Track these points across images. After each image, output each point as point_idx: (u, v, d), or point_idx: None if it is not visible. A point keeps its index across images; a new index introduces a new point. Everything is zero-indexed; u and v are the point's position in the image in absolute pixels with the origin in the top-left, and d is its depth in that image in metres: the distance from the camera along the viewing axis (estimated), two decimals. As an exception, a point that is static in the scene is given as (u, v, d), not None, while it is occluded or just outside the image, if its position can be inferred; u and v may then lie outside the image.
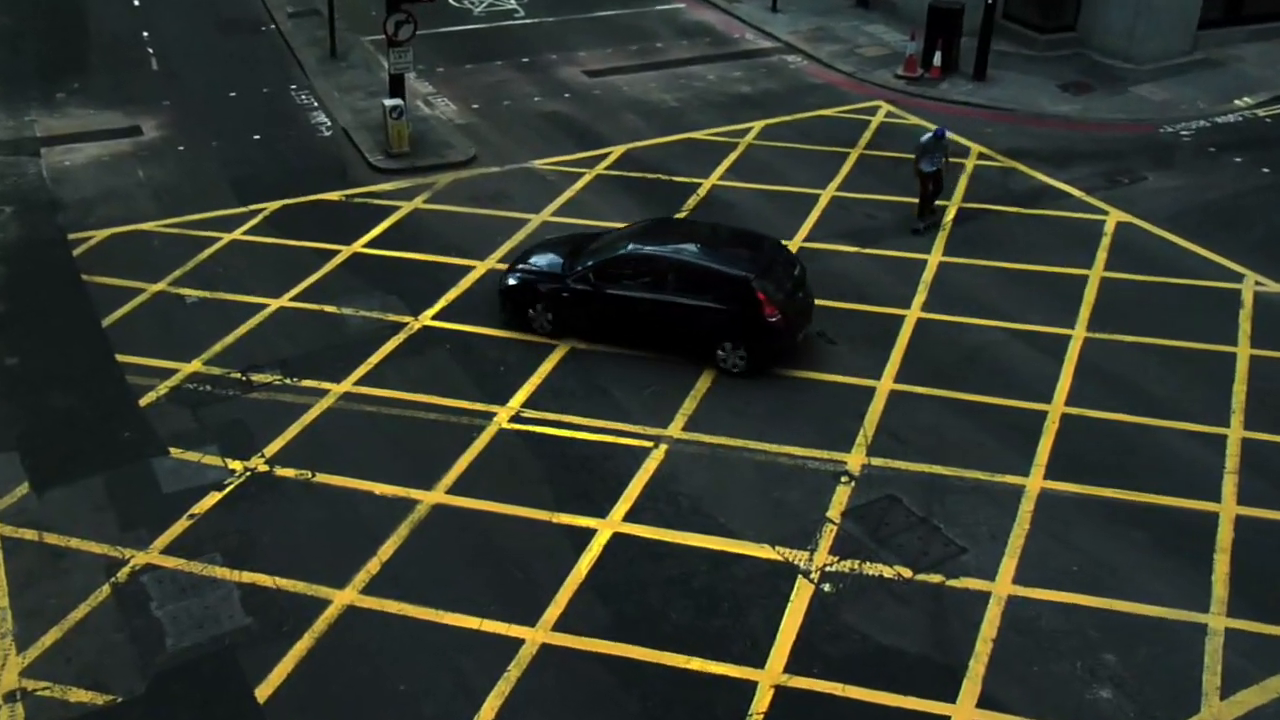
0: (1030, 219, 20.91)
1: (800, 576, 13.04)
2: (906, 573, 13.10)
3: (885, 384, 16.37)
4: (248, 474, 14.52)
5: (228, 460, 14.74)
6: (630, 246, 16.31)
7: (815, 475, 14.58)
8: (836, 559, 13.28)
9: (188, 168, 22.17)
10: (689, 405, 15.85)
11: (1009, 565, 13.24)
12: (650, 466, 14.71)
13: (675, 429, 15.38)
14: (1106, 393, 16.18)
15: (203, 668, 11.88)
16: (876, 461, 14.83)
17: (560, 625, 12.38)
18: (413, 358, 16.86)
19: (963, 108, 25.22)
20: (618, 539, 13.55)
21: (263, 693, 11.61)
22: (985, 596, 12.81)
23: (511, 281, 17.00)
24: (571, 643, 12.18)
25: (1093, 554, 13.39)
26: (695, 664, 11.90)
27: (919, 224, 19.88)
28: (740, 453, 14.98)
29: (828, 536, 13.61)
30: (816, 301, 17.68)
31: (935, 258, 19.63)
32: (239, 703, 11.49)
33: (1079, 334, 17.54)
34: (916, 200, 20.09)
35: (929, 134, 19.76)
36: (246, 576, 12.99)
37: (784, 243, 17.50)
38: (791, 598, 12.76)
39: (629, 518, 13.88)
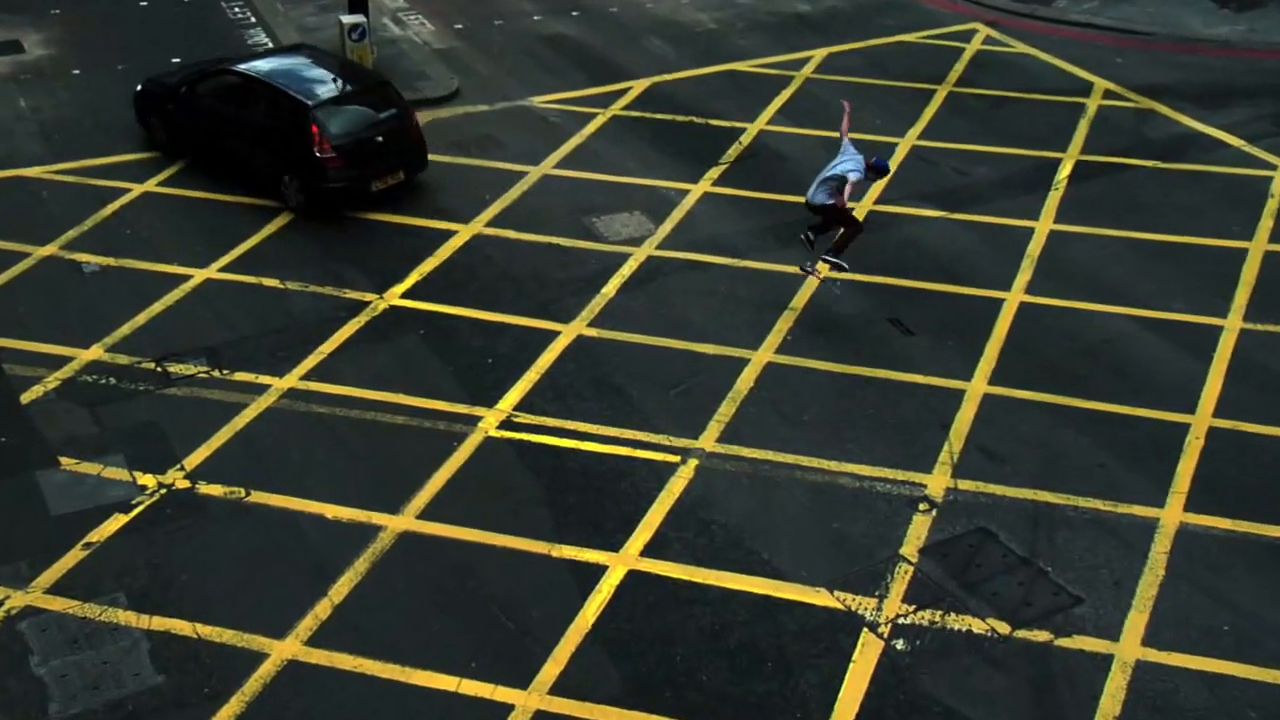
0: (1172, 176, 20.82)
1: (866, 630, 13.04)
2: (1003, 628, 13.07)
3: (978, 386, 16.37)
4: (162, 491, 14.59)
5: (136, 474, 14.81)
6: (224, 64, 20.17)
7: (886, 501, 14.62)
8: (912, 609, 13.30)
9: (85, 98, 22.30)
10: (726, 410, 15.89)
11: (1137, 621, 13.19)
12: (677, 487, 14.77)
13: (709, 439, 15.43)
14: (1267, 402, 16.11)
15: (102, 737, 11.97)
16: (965, 485, 14.83)
17: (560, 688, 12.38)
18: (376, 346, 16.95)
19: (1085, 31, 25.10)
20: (634, 579, 13.61)
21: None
22: (1106, 661, 12.77)
23: (139, 88, 20.96)
24: (574, 710, 12.18)
25: (1248, 609, 13.32)
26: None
27: (812, 241, 17.64)
28: (791, 471, 15.03)
29: (901, 580, 13.60)
30: (890, 281, 17.66)
31: (1045, 225, 19.59)
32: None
33: (1233, 325, 17.49)
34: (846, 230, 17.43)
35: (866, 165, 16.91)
36: (158, 623, 13.02)
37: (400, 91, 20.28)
38: (854, 658, 12.75)
39: (649, 552, 13.94)
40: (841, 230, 17.24)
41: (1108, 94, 23.16)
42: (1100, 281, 18.35)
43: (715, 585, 13.52)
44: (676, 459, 15.15)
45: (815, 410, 15.94)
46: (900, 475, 14.94)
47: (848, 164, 16.73)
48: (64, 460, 14.95)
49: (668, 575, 13.63)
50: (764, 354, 16.87)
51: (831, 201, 16.67)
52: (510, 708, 12.17)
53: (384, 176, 19.61)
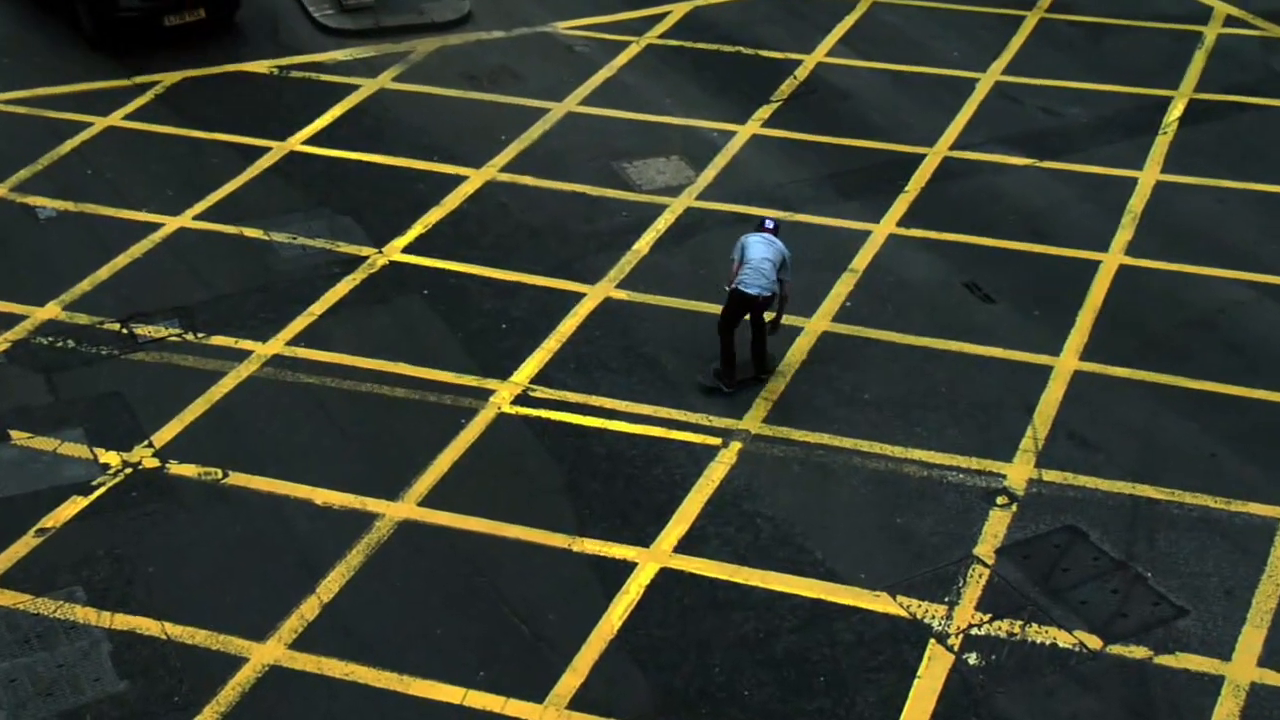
0: (1300, 119, 20.67)
1: (933, 642, 13.04)
2: (1094, 642, 13.05)
3: (1067, 362, 16.32)
4: (127, 471, 14.66)
5: (98, 451, 14.87)
6: None
7: (958, 493, 14.62)
8: (988, 618, 13.30)
9: (31, 11, 22.32)
10: (775, 386, 15.91)
11: (1253, 638, 13.13)
12: (717, 474, 14.79)
13: (754, 420, 15.45)
14: (1406, 383, 16.02)
15: (57, 751, 12.05)
16: (1051, 475, 14.80)
17: (580, 702, 12.41)
18: (374, 308, 17.01)
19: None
20: (667, 578, 13.64)
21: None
22: (1216, 683, 12.72)
23: None
24: (592, 728, 12.32)
25: (1380, 624, 13.30)
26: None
27: (719, 381, 15.84)
28: (849, 458, 15.03)
29: (975, 584, 13.60)
30: (967, 239, 17.59)
31: (1150, 175, 19.45)
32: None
33: (1367, 294, 17.38)
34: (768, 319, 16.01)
35: (758, 231, 15.82)
36: (121, 621, 13.09)
37: None
38: (920, 673, 12.74)
39: (684, 548, 13.96)
40: (754, 337, 15.77)
41: (1229, 20, 22.93)
42: (1214, 241, 18.23)
43: (760, 587, 13.51)
44: (717, 442, 15.14)
45: (878, 388, 15.91)
46: (976, 464, 14.92)
47: (765, 248, 15.44)
48: (15, 435, 15.03)
49: (705, 575, 13.63)
50: (819, 322, 16.86)
51: (770, 294, 15.37)
52: (524, 723, 12.25)
53: (180, 11, 21.38)
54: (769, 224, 15.76)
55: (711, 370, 15.81)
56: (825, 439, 15.22)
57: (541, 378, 15.95)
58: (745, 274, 15.27)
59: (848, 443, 15.16)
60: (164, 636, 12.90)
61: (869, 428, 15.35)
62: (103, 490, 14.40)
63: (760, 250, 15.40)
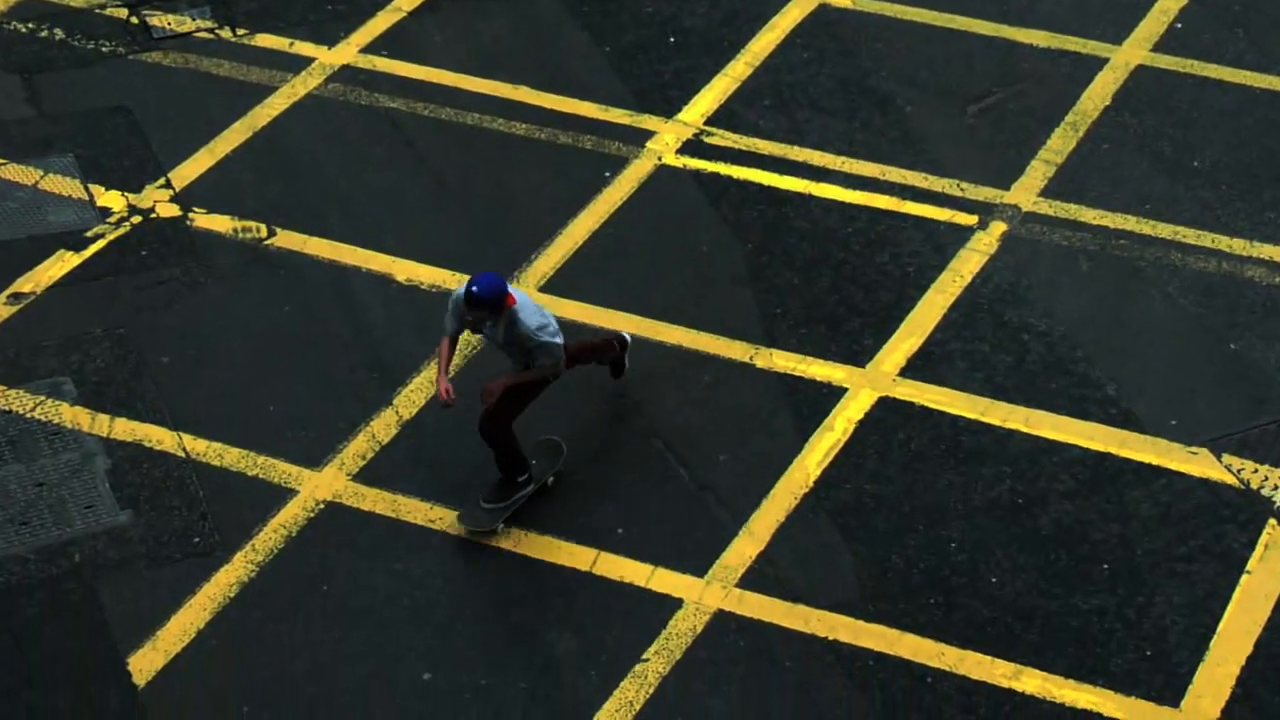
0: None
1: (1273, 522, 12.87)
2: None
3: None
4: (135, 220, 14.85)
5: (94, 189, 15.08)
6: None
7: (1324, 310, 14.51)
8: (1358, 493, 13.15)
9: None
10: (1060, 143, 15.74)
11: None
12: (969, 266, 14.74)
13: (1028, 192, 15.37)
14: None
15: (21, 609, 12.15)
16: None
17: (755, 580, 12.44)
18: (489, 5, 17.12)
19: None
20: (888, 412, 13.62)
21: (143, 668, 11.87)
22: None
23: None
24: (772, 613, 12.23)
25: None
26: (1050, 686, 11.86)
27: (490, 506, 13.39)
28: (1164, 251, 14.90)
29: (1341, 443, 13.48)
30: None
31: None
32: (96, 682, 11.72)
33: None
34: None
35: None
36: (124, 430, 13.27)
37: None
38: (1250, 566, 12.58)
39: (915, 370, 13.93)
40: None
41: None
42: None
43: (1022, 432, 13.42)
44: (972, 220, 15.10)
45: (1214, 151, 15.77)
46: (1353, 269, 14.73)
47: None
48: (-18, 162, 15.37)
49: (944, 409, 13.59)
50: (1133, 50, 16.64)
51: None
52: (678, 603, 12.27)
53: None
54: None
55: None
56: (1130, 223, 15.08)
57: (721, 117, 15.97)
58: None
59: (1164, 229, 15.03)
60: (181, 454, 13.06)
61: (1197, 210, 15.19)
62: (101, 245, 14.59)
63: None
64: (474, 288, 11.90)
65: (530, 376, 12.40)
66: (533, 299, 12.55)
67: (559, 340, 12.32)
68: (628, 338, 13.69)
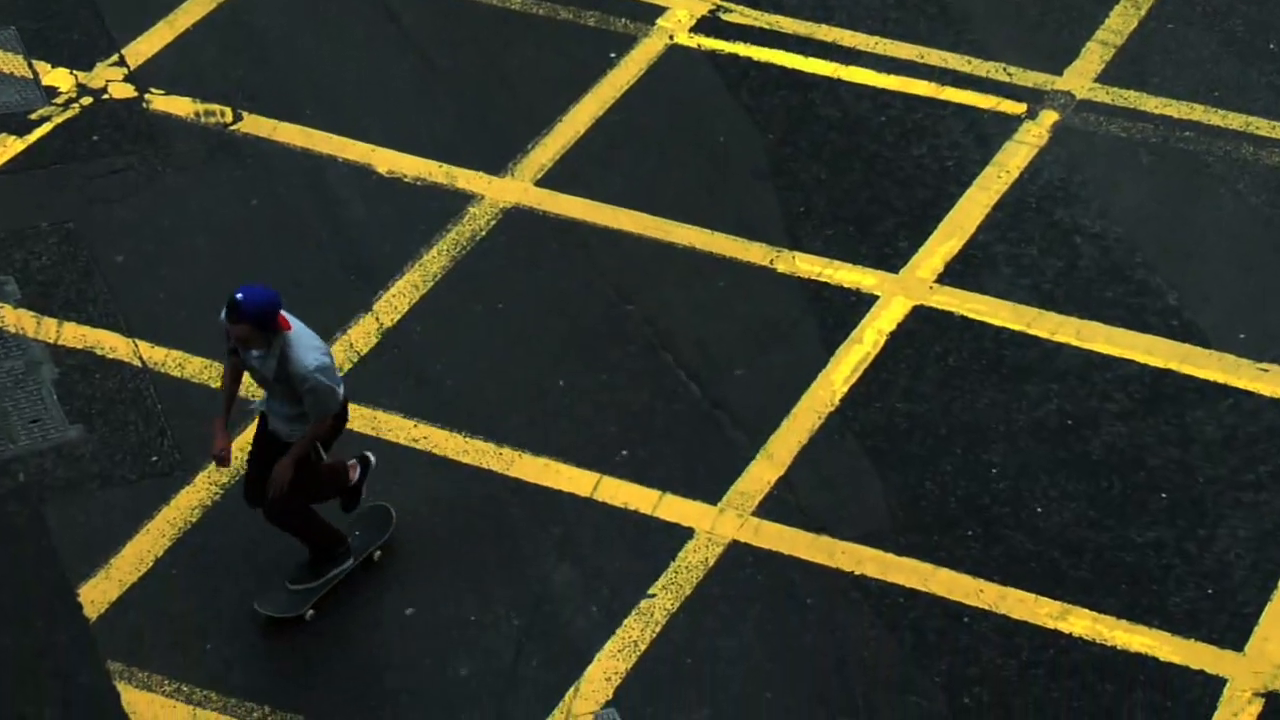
0: None
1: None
2: None
3: None
4: (86, 101, 14.88)
5: (39, 66, 15.13)
6: None
7: None
8: None
9: None
10: (1118, 23, 15.74)
11: None
12: (1015, 160, 14.73)
13: (1083, 76, 15.42)
14: None
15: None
16: None
17: (773, 509, 12.43)
18: None
19: None
20: (923, 323, 13.60)
21: (95, 599, 11.92)
22: None
23: None
24: (790, 545, 12.24)
25: None
26: (1100, 627, 11.80)
27: (297, 588, 12.25)
28: (1234, 145, 14.91)
29: None
30: None
31: None
32: (43, 614, 11.73)
33: None
34: None
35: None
36: (73, 335, 13.29)
37: None
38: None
39: (953, 276, 13.91)
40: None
41: None
42: None
43: (1072, 345, 13.39)
44: (1020, 109, 15.13)
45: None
46: None
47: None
48: (-83, 37, 15.33)
49: (985, 320, 13.57)
50: None
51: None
52: (689, 533, 12.28)
53: None
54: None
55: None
56: (1197, 112, 15.09)
57: (740, -10, 15.90)
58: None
59: (1234, 119, 15.03)
60: (137, 362, 13.07)
61: (1272, 97, 15.22)
62: (47, 129, 14.62)
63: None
64: (238, 294, 10.68)
65: (308, 440, 11.19)
66: (317, 335, 11.22)
67: (340, 389, 11.14)
68: (372, 460, 12.23)
